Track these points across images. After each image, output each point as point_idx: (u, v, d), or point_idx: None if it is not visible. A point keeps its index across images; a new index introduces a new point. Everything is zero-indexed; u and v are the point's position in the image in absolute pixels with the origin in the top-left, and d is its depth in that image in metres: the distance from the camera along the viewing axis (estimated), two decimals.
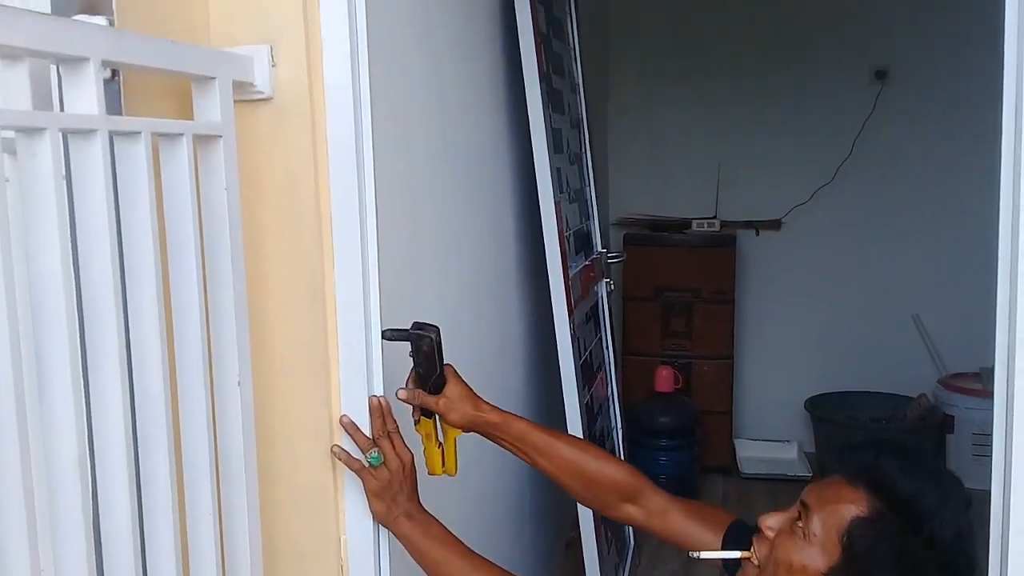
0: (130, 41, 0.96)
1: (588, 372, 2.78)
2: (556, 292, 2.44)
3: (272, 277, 1.27)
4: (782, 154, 4.39)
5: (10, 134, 0.83)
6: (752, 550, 1.23)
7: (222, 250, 1.12)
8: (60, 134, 0.85)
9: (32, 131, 0.82)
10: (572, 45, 3.10)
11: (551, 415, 2.61)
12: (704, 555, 1.31)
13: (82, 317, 0.90)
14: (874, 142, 4.24)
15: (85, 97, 0.88)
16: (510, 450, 1.43)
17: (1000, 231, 1.08)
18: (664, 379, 4.03)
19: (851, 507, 1.15)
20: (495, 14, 2.32)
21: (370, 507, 1.32)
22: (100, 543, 0.94)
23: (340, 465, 1.32)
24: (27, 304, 0.84)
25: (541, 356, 2.70)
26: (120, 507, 0.94)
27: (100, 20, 1.02)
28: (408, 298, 1.55)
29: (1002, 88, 1.06)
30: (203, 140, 1.10)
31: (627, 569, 3.14)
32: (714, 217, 4.40)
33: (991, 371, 1.10)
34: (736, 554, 1.27)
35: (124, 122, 0.97)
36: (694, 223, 4.35)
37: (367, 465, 1.30)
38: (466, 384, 1.39)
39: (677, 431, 3.99)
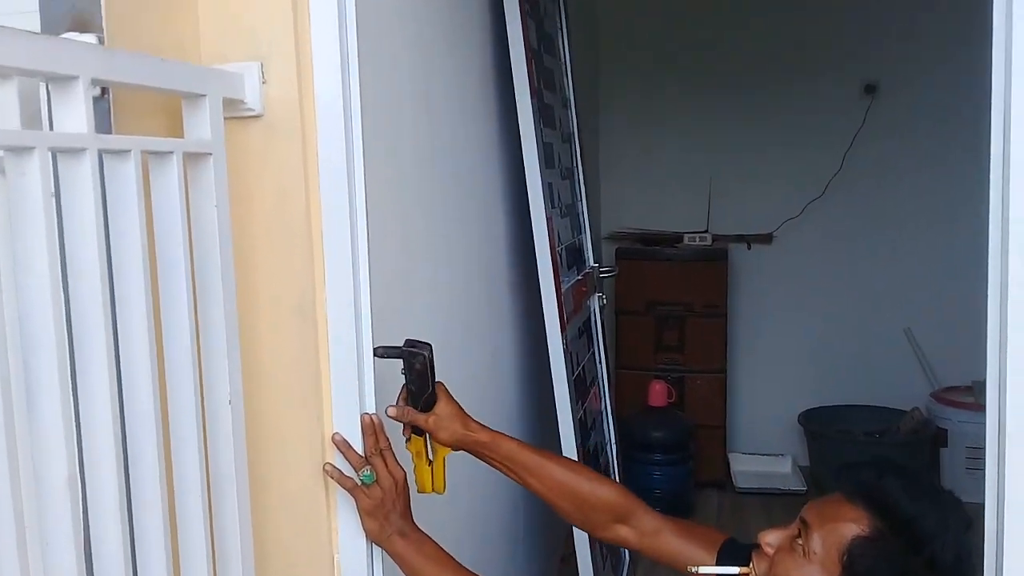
0: (120, 59, 0.96)
1: (581, 387, 2.77)
2: (548, 307, 2.43)
3: (263, 294, 1.27)
4: (773, 168, 4.41)
5: None
6: (751, 566, 1.23)
7: (212, 268, 1.12)
8: (49, 153, 0.85)
9: (21, 150, 0.82)
10: (563, 60, 3.11)
11: (544, 430, 2.61)
12: (703, 570, 1.30)
13: (71, 336, 0.90)
14: (864, 156, 4.27)
15: (74, 115, 0.88)
16: (500, 470, 1.42)
17: (989, 244, 1.08)
18: (657, 393, 4.03)
19: (852, 526, 1.14)
20: (486, 30, 2.33)
21: (363, 526, 1.32)
22: (91, 563, 0.93)
23: (332, 483, 1.31)
24: (16, 323, 0.84)
25: (534, 371, 2.69)
26: (111, 528, 0.94)
27: (90, 38, 1.02)
28: (399, 314, 1.55)
29: (990, 102, 1.07)
30: (193, 157, 1.10)
31: None
32: (706, 231, 4.41)
33: (983, 384, 1.10)
34: (735, 570, 1.26)
35: (114, 140, 0.96)
36: (686, 237, 4.36)
37: (359, 483, 1.30)
38: (456, 403, 1.39)
39: (671, 446, 3.99)
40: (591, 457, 2.79)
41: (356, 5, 1.27)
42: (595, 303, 3.21)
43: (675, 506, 3.78)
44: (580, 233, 3.16)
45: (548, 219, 2.44)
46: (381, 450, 1.31)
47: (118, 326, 0.96)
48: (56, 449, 0.86)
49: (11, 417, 0.81)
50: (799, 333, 4.53)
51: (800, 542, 1.17)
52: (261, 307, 1.27)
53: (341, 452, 1.30)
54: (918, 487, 1.17)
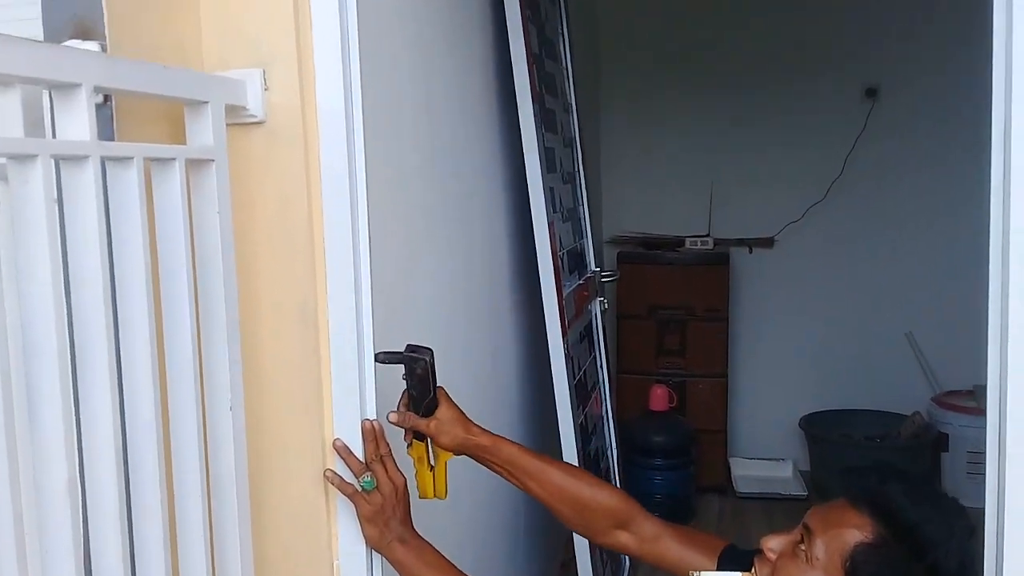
0: (122, 67, 0.97)
1: (582, 392, 2.77)
2: (550, 312, 2.44)
3: (264, 301, 1.27)
4: (774, 172, 4.41)
5: (1, 160, 0.83)
6: (753, 571, 1.23)
7: (214, 274, 1.12)
8: (52, 160, 0.85)
9: (24, 158, 0.82)
10: (565, 65, 3.12)
11: (545, 435, 2.61)
12: (705, 575, 1.30)
13: (73, 342, 0.90)
14: (865, 159, 4.27)
15: (77, 123, 0.88)
16: (501, 474, 1.42)
17: (990, 247, 1.08)
18: (659, 398, 4.03)
19: (855, 532, 1.14)
20: (487, 35, 2.33)
21: (363, 532, 1.32)
22: (90, 570, 0.93)
23: (333, 490, 1.31)
24: (18, 330, 0.84)
25: (535, 376, 2.69)
26: (110, 535, 0.94)
27: (93, 45, 1.02)
28: (401, 320, 1.55)
29: (991, 106, 1.07)
30: (196, 164, 1.10)
31: None
32: (707, 235, 4.41)
33: (984, 389, 1.10)
34: (737, 575, 1.27)
35: (116, 148, 0.97)
36: (687, 241, 4.36)
37: (360, 490, 1.30)
38: (457, 407, 1.39)
39: (672, 450, 3.98)
40: (592, 462, 2.78)
41: (357, 11, 1.27)
42: (596, 307, 3.21)
43: (676, 511, 3.78)
44: (582, 237, 3.16)
45: (550, 224, 2.44)
46: (381, 456, 1.32)
47: (120, 333, 0.97)
48: (57, 455, 0.86)
49: (12, 423, 0.81)
50: (800, 337, 4.53)
51: (803, 548, 1.17)
52: (263, 313, 1.27)
53: (342, 458, 1.30)
54: (922, 493, 1.17)
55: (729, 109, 4.42)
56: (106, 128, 1.02)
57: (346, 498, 1.31)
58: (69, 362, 0.88)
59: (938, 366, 4.34)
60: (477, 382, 2.10)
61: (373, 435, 1.31)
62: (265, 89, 1.23)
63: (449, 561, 1.34)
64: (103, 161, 0.92)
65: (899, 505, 1.14)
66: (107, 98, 1.02)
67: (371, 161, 1.31)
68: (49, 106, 0.92)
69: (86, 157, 0.89)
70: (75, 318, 0.90)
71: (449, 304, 1.93)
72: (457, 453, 1.39)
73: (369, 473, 1.30)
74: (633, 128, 4.57)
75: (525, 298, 2.61)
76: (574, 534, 2.45)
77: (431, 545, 1.34)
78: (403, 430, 1.37)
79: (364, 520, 1.31)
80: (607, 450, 3.19)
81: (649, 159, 4.58)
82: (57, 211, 0.86)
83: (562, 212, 2.76)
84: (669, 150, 4.55)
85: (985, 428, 1.10)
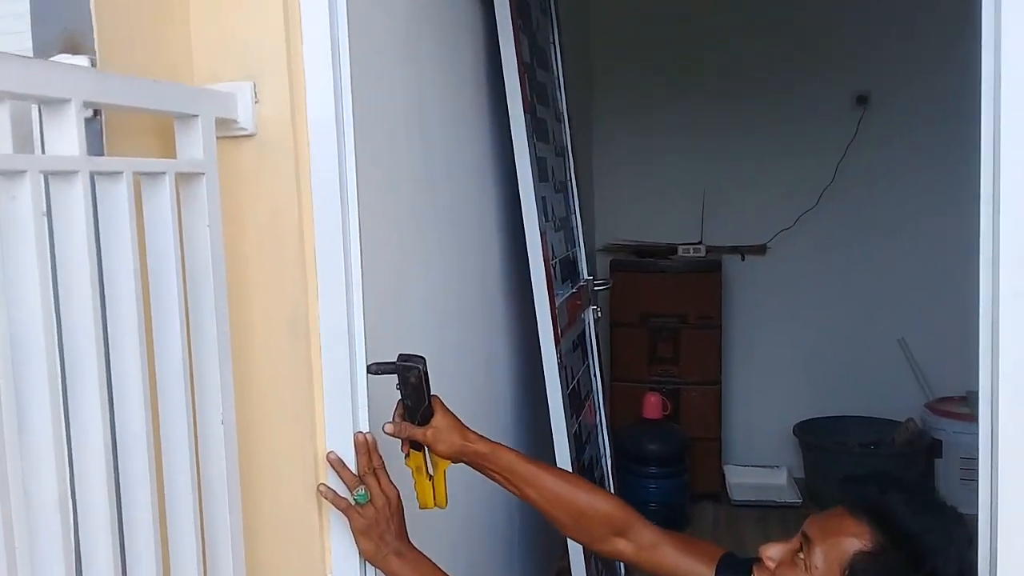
0: (112, 81, 0.97)
1: (576, 401, 2.77)
2: (543, 321, 2.43)
3: (256, 313, 1.27)
4: (767, 179, 4.43)
5: None
6: None
7: (205, 287, 1.12)
8: (41, 176, 0.85)
9: (12, 174, 0.82)
10: (556, 74, 3.12)
11: (539, 444, 2.60)
12: None
13: (63, 356, 0.90)
14: (856, 166, 4.28)
15: (66, 138, 0.88)
16: (499, 481, 1.42)
17: (980, 254, 1.09)
18: (652, 406, 4.02)
19: (854, 540, 1.15)
20: (479, 45, 2.34)
21: (358, 546, 1.31)
22: None
23: (326, 503, 1.30)
24: (8, 344, 0.83)
25: (528, 385, 2.69)
26: (101, 547, 0.93)
27: (82, 60, 1.02)
28: (393, 330, 1.55)
29: (980, 111, 1.07)
30: (186, 178, 1.10)
31: None
32: (700, 242, 4.41)
33: (977, 395, 1.10)
34: None
35: (106, 163, 0.96)
36: (680, 248, 4.36)
37: (354, 503, 1.29)
38: (453, 414, 1.38)
39: (666, 458, 3.98)
40: (586, 470, 2.78)
41: (348, 23, 1.27)
42: (589, 316, 3.21)
43: (670, 519, 3.77)
44: (574, 246, 3.16)
45: (542, 233, 2.45)
46: (375, 468, 1.31)
47: (110, 346, 0.96)
48: (47, 468, 0.86)
49: (1, 437, 0.81)
50: (793, 344, 4.53)
51: (802, 556, 1.18)
52: (254, 325, 1.27)
53: (336, 471, 1.29)
54: (921, 502, 1.18)
55: (720, 117, 4.43)
56: (95, 142, 1.02)
57: (339, 512, 1.30)
58: (59, 376, 0.87)
59: (931, 372, 4.34)
60: (470, 392, 2.09)
61: (366, 447, 1.30)
62: (256, 102, 1.23)
63: (445, 572, 1.33)
64: (92, 176, 0.92)
65: (899, 514, 1.14)
66: (97, 112, 1.02)
67: (362, 172, 1.31)
68: (38, 121, 0.91)
69: (75, 172, 0.89)
70: (65, 333, 0.90)
71: (441, 314, 1.92)
72: (455, 461, 1.38)
73: (363, 486, 1.29)
74: (625, 136, 4.58)
75: (518, 307, 2.61)
76: (569, 542, 2.44)
77: (427, 558, 1.34)
78: (399, 441, 1.37)
79: (358, 534, 1.30)
80: (601, 459, 3.19)
81: (641, 167, 4.58)
82: (46, 226, 0.86)
83: (554, 221, 2.77)
84: (661, 158, 4.56)
85: (978, 435, 1.10)
